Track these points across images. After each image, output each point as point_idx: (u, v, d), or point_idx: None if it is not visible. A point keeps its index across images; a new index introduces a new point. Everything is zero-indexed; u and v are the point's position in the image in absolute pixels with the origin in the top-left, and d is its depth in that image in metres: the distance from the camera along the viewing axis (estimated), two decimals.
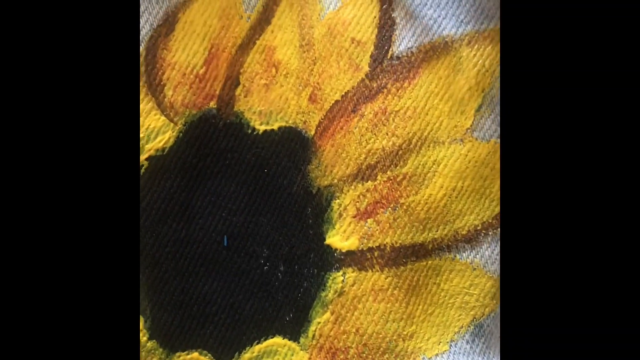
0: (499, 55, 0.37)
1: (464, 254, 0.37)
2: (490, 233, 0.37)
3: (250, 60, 0.38)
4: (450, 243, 0.37)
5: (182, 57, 0.38)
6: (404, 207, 0.37)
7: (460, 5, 0.38)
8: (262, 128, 0.38)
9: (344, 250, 0.37)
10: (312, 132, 0.38)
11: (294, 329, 0.37)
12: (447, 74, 0.37)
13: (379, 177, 0.37)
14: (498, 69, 0.37)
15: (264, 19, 0.39)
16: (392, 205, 0.37)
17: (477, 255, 0.37)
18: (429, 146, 0.37)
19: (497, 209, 0.37)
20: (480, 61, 0.37)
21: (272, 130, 0.38)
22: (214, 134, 0.38)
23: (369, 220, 0.37)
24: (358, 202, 0.37)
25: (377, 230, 0.37)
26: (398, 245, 0.37)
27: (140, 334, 0.37)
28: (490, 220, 0.37)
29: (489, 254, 0.37)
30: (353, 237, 0.37)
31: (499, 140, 0.37)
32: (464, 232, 0.37)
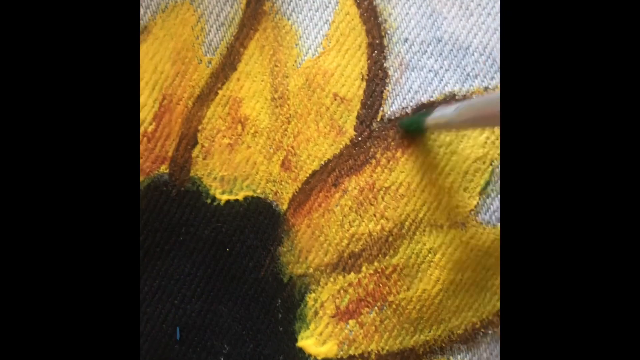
0: None
1: (458, 357, 0.31)
2: (489, 332, 0.31)
3: (211, 114, 0.31)
4: (444, 345, 0.31)
5: None
6: (393, 306, 0.31)
7: (467, 54, 0.32)
8: (224, 198, 0.32)
9: (319, 358, 0.31)
10: (285, 207, 0.31)
11: None
12: (449, 140, 0.31)
13: (363, 269, 0.31)
14: None
15: (228, 64, 0.31)
16: (378, 304, 0.31)
17: (474, 358, 0.31)
18: (424, 231, 0.31)
19: (498, 304, 0.31)
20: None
21: (237, 200, 0.32)
22: (165, 205, 0.31)
23: (350, 321, 0.31)
24: (338, 298, 0.31)
25: (360, 334, 0.31)
26: (385, 352, 0.31)
27: None
28: (490, 317, 0.31)
29: (486, 356, 0.32)
30: (331, 342, 0.31)
31: None
32: (459, 332, 0.31)
